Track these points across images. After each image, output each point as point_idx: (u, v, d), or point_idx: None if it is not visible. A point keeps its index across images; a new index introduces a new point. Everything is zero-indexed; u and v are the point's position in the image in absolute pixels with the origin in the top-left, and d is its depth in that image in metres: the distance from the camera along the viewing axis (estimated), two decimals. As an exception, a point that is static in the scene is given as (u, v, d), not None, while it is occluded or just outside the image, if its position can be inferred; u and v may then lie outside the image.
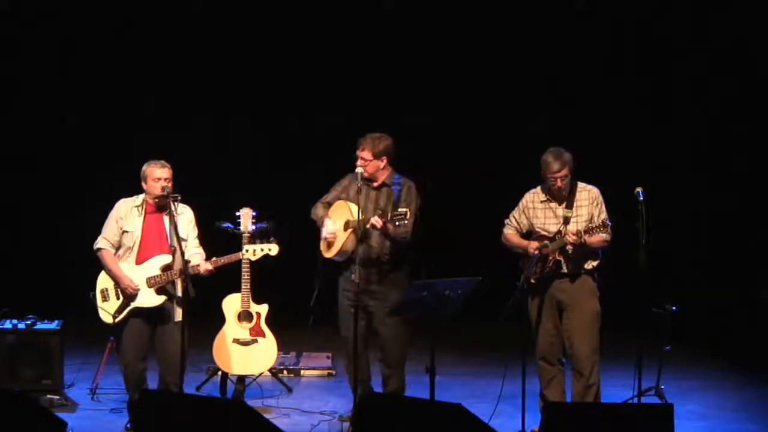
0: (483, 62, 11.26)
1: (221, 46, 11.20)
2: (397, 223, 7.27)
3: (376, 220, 7.28)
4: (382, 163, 7.53)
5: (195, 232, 7.63)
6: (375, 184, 7.56)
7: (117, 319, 7.44)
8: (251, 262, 7.94)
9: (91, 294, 7.53)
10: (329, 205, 7.66)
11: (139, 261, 7.46)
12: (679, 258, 10.87)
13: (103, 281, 7.52)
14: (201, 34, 11.16)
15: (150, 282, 7.39)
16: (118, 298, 7.45)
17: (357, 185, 7.36)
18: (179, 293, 7.40)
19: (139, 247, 7.46)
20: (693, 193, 11.11)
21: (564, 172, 7.34)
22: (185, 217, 7.55)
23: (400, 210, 7.23)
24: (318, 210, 7.67)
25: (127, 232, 7.48)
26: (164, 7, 11.16)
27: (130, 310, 7.43)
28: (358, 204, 7.31)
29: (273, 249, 7.65)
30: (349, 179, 7.64)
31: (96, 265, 7.58)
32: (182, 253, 7.21)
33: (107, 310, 7.45)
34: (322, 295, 7.64)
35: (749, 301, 10.71)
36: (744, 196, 11.02)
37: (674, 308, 8.08)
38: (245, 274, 8.04)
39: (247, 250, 7.65)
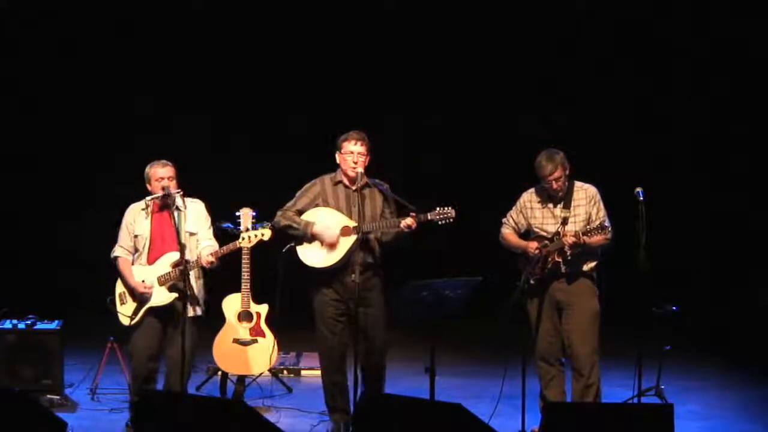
0: (481, 62, 11.28)
1: (222, 46, 11.21)
2: (439, 223, 7.14)
3: (411, 221, 7.14)
4: (368, 160, 7.37)
5: (207, 223, 7.62)
6: (354, 187, 7.32)
7: (134, 321, 7.45)
8: (251, 262, 7.96)
9: (109, 299, 7.55)
10: (299, 213, 7.41)
11: (151, 261, 7.48)
12: (679, 258, 10.88)
13: (121, 285, 7.56)
14: (201, 35, 11.17)
15: (161, 280, 7.41)
16: (134, 301, 7.48)
17: (357, 185, 7.23)
18: (194, 290, 7.41)
19: (149, 248, 7.49)
20: (693, 193, 11.12)
21: (558, 173, 7.33)
22: (195, 209, 7.56)
23: (441, 210, 7.08)
24: (294, 217, 7.38)
25: (137, 235, 7.51)
26: (164, 7, 11.17)
27: (145, 311, 7.44)
28: (359, 207, 7.20)
29: (266, 233, 7.57)
30: (320, 185, 7.43)
31: (109, 270, 7.59)
32: (183, 252, 7.21)
33: (124, 313, 7.48)
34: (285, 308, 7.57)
35: (750, 304, 10.72)
36: (744, 196, 11.03)
37: (674, 308, 8.09)
38: (245, 274, 8.05)
39: (243, 238, 7.60)
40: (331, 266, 7.34)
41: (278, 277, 7.41)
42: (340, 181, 7.43)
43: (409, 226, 7.16)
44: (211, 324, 8.21)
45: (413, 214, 7.17)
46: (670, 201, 10.41)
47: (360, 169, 7.30)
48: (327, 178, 7.45)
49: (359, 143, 7.33)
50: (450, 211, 7.12)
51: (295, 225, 7.40)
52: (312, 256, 7.40)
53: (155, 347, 7.47)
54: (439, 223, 7.16)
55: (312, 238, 7.38)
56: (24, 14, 11.07)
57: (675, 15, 11.00)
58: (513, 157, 9.23)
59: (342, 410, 7.49)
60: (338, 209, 7.37)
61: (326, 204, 7.41)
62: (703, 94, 11.11)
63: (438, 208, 7.15)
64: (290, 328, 7.82)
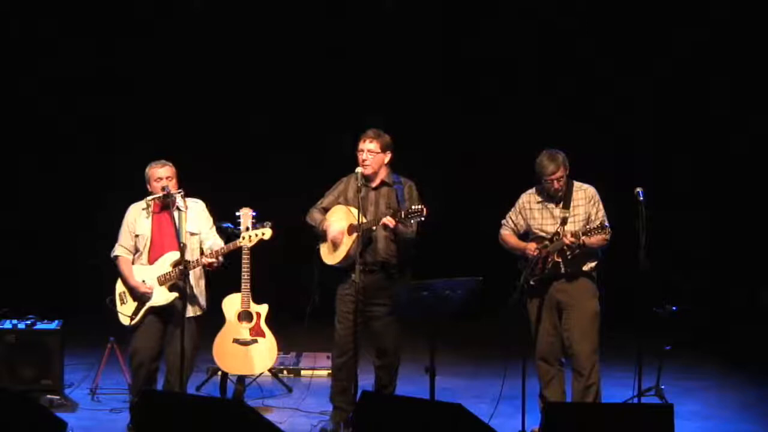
0: (481, 62, 11.28)
1: (223, 46, 11.21)
2: (412, 221, 7.12)
3: (389, 220, 7.12)
4: (387, 158, 7.37)
5: (209, 222, 7.63)
6: (373, 184, 7.39)
7: (134, 321, 7.45)
8: (251, 262, 7.96)
9: (109, 299, 7.53)
10: (325, 210, 7.50)
11: (152, 261, 7.48)
12: (679, 258, 10.87)
13: (121, 285, 7.55)
14: (202, 34, 11.16)
15: (161, 279, 7.41)
16: (134, 300, 7.48)
17: (357, 184, 7.23)
18: (194, 289, 7.43)
19: (149, 247, 7.49)
20: (693, 192, 11.12)
21: (559, 173, 7.32)
22: (196, 209, 7.56)
23: (414, 207, 7.06)
24: (315, 215, 7.52)
25: (138, 235, 7.51)
26: (164, 7, 11.17)
27: (146, 310, 7.44)
28: (358, 203, 7.19)
29: (267, 233, 7.58)
30: (345, 183, 7.50)
31: (109, 270, 7.58)
32: (183, 252, 7.21)
33: (125, 312, 7.47)
34: (319, 300, 7.59)
35: (750, 303, 10.72)
36: (744, 195, 11.03)
37: (674, 308, 8.09)
38: (245, 274, 8.05)
39: (243, 237, 7.61)
40: (336, 264, 7.41)
41: (313, 273, 7.44)
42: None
43: (385, 225, 7.18)
44: (211, 324, 8.21)
45: (392, 212, 7.20)
46: (670, 201, 10.40)
47: (359, 169, 7.31)
48: (353, 177, 7.44)
49: (368, 141, 7.36)
50: (420, 208, 7.06)
51: (312, 222, 7.53)
52: (325, 253, 7.50)
53: (156, 347, 7.46)
54: (412, 221, 7.14)
55: (325, 235, 7.45)
56: (24, 14, 11.07)
57: (672, 13, 10.98)
58: (513, 157, 9.23)
59: (341, 410, 7.49)
60: (355, 205, 7.35)
61: (346, 202, 7.44)
62: (703, 94, 11.11)
63: (413, 206, 7.13)
64: (318, 325, 7.80)
